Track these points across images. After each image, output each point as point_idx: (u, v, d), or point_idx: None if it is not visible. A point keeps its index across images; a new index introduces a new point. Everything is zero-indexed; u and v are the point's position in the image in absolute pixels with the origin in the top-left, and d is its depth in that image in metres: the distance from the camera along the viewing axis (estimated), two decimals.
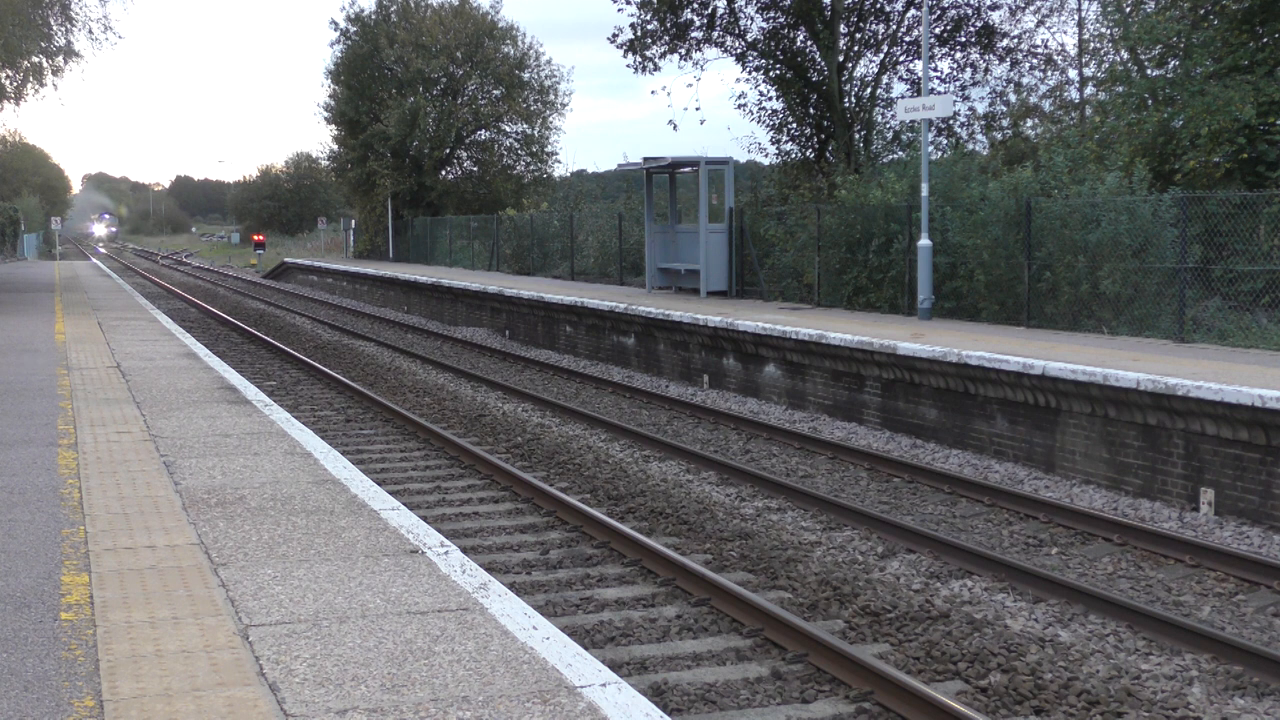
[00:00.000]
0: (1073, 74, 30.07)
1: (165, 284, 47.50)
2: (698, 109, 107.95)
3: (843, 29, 26.67)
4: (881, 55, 27.62)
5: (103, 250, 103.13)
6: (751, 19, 27.95)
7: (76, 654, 4.73)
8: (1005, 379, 13.07)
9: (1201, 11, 20.17)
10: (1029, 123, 29.99)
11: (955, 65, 28.01)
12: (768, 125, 28.45)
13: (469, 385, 19.03)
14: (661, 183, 25.29)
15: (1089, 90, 29.14)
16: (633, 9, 27.61)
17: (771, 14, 27.60)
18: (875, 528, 10.27)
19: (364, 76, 47.36)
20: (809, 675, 7.09)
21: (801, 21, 26.98)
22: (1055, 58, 29.23)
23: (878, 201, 20.03)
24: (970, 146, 27.69)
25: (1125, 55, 23.72)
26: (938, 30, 27.15)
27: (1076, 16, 30.42)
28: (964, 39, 27.54)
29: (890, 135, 27.45)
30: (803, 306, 20.64)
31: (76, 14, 29.60)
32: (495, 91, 46.62)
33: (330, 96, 48.94)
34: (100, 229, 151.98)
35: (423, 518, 8.64)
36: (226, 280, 53.42)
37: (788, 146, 28.54)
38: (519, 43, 46.83)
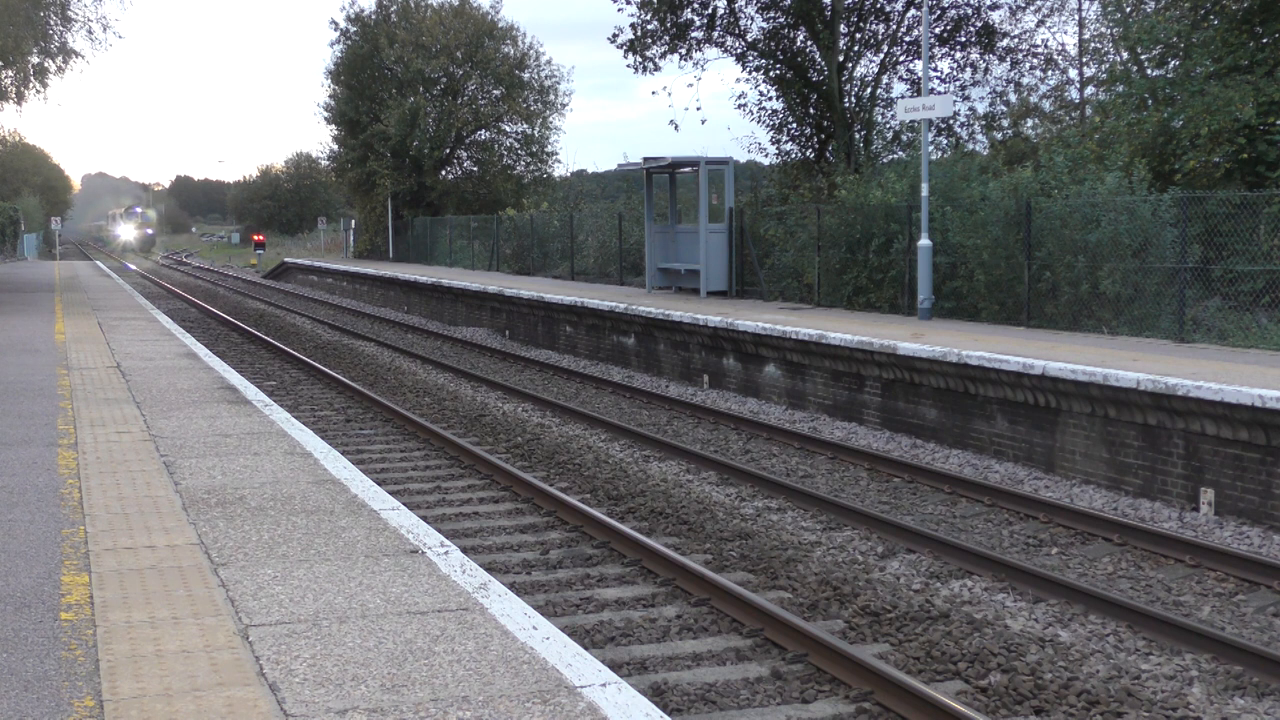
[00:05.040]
0: (1073, 74, 30.11)
1: (165, 284, 47.50)
2: (698, 109, 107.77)
3: (843, 29, 26.66)
4: (881, 55, 27.63)
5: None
6: (751, 19, 27.98)
7: (76, 654, 4.72)
8: (1005, 379, 13.06)
9: (1201, 11, 20.17)
10: (1029, 123, 30.00)
11: (955, 65, 28.03)
12: (768, 125, 28.47)
13: (469, 385, 19.02)
14: (661, 183, 25.29)
15: (1089, 90, 29.19)
16: (633, 9, 27.63)
17: (771, 14, 27.60)
18: (875, 528, 10.27)
19: (364, 76, 47.36)
20: (809, 675, 7.09)
21: (801, 21, 26.98)
22: (1055, 58, 29.25)
23: (878, 201, 20.03)
24: (970, 146, 27.71)
25: (1125, 55, 23.73)
26: (938, 30, 27.15)
27: (1076, 16, 30.48)
28: (964, 39, 27.53)
29: (890, 135, 27.46)
30: (803, 306, 20.64)
31: (75, 14, 29.64)
32: (495, 91, 46.62)
33: (330, 96, 48.98)
34: (129, 230, 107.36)
35: (423, 518, 8.64)
36: (226, 280, 53.42)
37: (788, 146, 28.55)
38: (519, 43, 46.88)
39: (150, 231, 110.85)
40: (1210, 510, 10.90)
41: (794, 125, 28.19)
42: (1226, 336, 14.59)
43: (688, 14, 27.62)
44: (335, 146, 50.32)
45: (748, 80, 28.86)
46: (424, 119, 44.98)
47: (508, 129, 47.35)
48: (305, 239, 78.31)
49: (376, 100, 46.61)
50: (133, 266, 65.17)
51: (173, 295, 40.72)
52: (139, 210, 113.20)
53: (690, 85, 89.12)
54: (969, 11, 27.26)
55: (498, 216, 38.28)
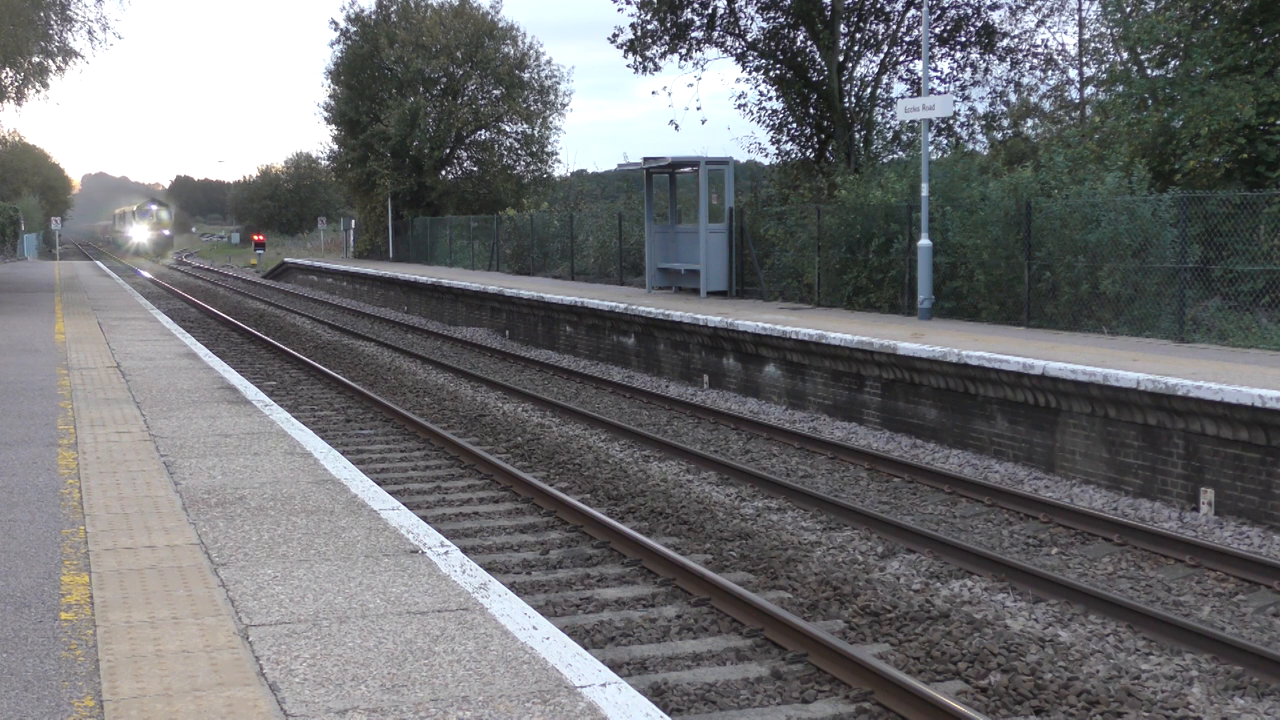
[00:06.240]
0: (1073, 74, 30.11)
1: (165, 284, 47.50)
2: (698, 109, 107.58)
3: (843, 29, 26.66)
4: (881, 55, 27.62)
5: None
6: (751, 19, 27.97)
7: (76, 654, 4.72)
8: (1005, 379, 13.06)
9: (1201, 11, 20.17)
10: (1029, 123, 29.99)
11: (955, 65, 28.02)
12: (768, 125, 28.46)
13: (469, 385, 19.02)
14: (661, 183, 25.29)
15: (1089, 90, 29.17)
16: (633, 9, 27.63)
17: (771, 14, 27.60)
18: (875, 528, 10.27)
19: (364, 76, 47.37)
20: (809, 675, 7.09)
21: (801, 21, 26.97)
22: (1055, 58, 29.25)
23: (878, 201, 20.03)
24: (970, 146, 27.70)
25: (1125, 55, 23.72)
26: (938, 30, 27.14)
27: (1076, 16, 30.48)
28: (964, 39, 27.53)
29: (890, 135, 27.45)
30: (803, 306, 20.64)
31: (76, 14, 29.64)
32: (495, 91, 46.63)
33: (330, 96, 48.98)
34: (142, 230, 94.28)
35: (423, 518, 8.63)
36: (226, 280, 53.41)
37: (788, 146, 28.55)
38: (519, 43, 46.90)
39: (166, 233, 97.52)
40: (1210, 510, 10.90)
41: (794, 125, 28.18)
42: (1226, 336, 14.59)
43: (688, 14, 27.62)
44: (335, 146, 50.34)
45: (748, 80, 28.88)
46: (424, 119, 44.98)
47: (508, 129, 47.38)
48: (305, 239, 78.26)
49: (376, 100, 46.61)
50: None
51: (172, 295, 40.71)
52: (153, 208, 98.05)
53: (690, 85, 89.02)
54: (969, 11, 27.26)
55: (498, 216, 38.28)
